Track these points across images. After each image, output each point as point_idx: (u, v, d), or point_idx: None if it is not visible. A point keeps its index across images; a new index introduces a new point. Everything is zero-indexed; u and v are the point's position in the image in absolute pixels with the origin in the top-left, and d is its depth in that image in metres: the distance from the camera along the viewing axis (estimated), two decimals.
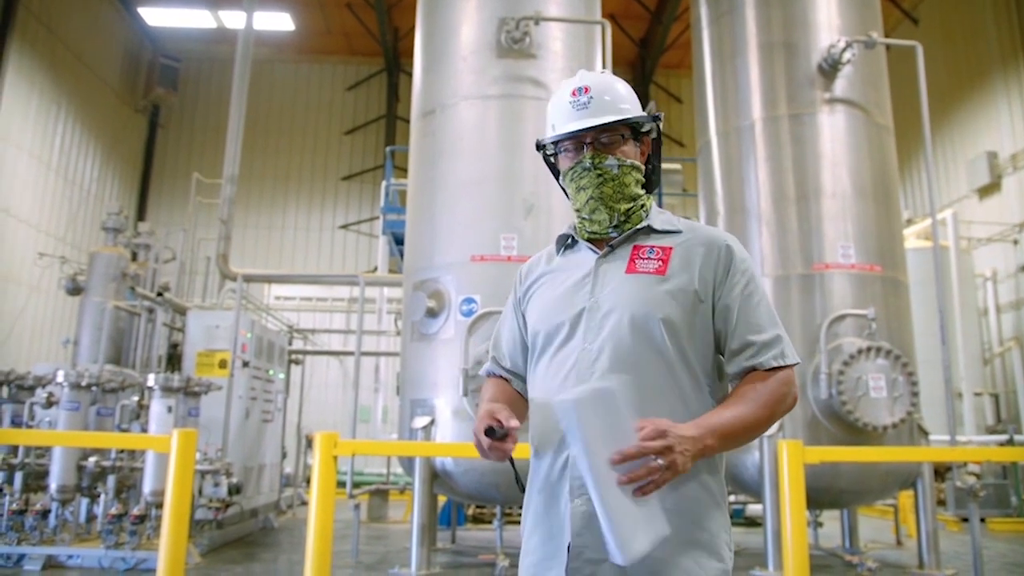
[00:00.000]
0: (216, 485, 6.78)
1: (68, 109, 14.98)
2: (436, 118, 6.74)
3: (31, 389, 6.80)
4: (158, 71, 17.79)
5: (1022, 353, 12.35)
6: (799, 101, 6.83)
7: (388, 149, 12.78)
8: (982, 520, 8.73)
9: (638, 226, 1.71)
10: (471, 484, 5.79)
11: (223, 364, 7.93)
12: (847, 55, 6.68)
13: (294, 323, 13.06)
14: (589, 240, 1.75)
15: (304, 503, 10.78)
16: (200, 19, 16.85)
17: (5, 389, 6.76)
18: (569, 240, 1.80)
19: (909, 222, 12.54)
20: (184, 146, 18.63)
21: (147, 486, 6.15)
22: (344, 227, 18.63)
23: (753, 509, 9.40)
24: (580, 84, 1.70)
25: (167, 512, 4.10)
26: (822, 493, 6.01)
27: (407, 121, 8.13)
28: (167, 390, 6.40)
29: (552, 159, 1.81)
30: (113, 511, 6.01)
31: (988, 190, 13.47)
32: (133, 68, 17.70)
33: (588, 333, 1.61)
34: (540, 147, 1.81)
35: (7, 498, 6.22)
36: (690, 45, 8.22)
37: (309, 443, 10.98)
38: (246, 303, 9.42)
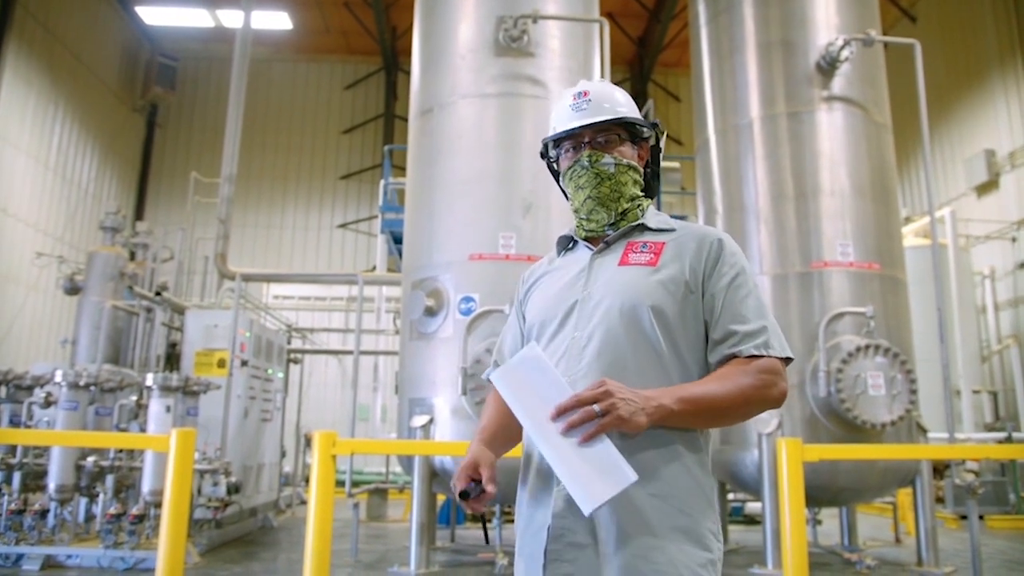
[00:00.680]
0: (215, 484, 6.77)
1: (66, 108, 14.96)
2: (434, 117, 6.74)
3: (29, 389, 6.79)
4: (156, 70, 17.77)
5: (1020, 351, 12.38)
6: (797, 99, 6.83)
7: (386, 148, 12.78)
8: (981, 517, 8.73)
9: (633, 224, 1.75)
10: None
11: (222, 363, 7.92)
12: (845, 53, 6.68)
13: (293, 322, 13.05)
14: (586, 238, 1.80)
15: (303, 502, 10.78)
16: (198, 18, 16.84)
17: (3, 389, 6.75)
18: (570, 243, 1.85)
19: (907, 220, 12.57)
20: (182, 145, 18.62)
21: (146, 485, 6.14)
22: (342, 226, 18.63)
23: (752, 507, 9.41)
24: (580, 90, 1.79)
25: (166, 511, 4.10)
26: (821, 491, 6.02)
27: (405, 120, 8.14)
28: (166, 389, 6.40)
29: (555, 164, 1.87)
30: (112, 511, 6.01)
31: (986, 188, 13.49)
32: (131, 67, 17.68)
33: (580, 322, 1.65)
34: (544, 155, 1.89)
35: (6, 498, 6.20)
36: (688, 43, 8.22)
37: (308, 442, 10.98)
38: (244, 302, 9.41)
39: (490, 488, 1.60)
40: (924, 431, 6.46)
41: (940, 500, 10.08)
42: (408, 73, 7.88)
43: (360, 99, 19.36)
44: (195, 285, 12.46)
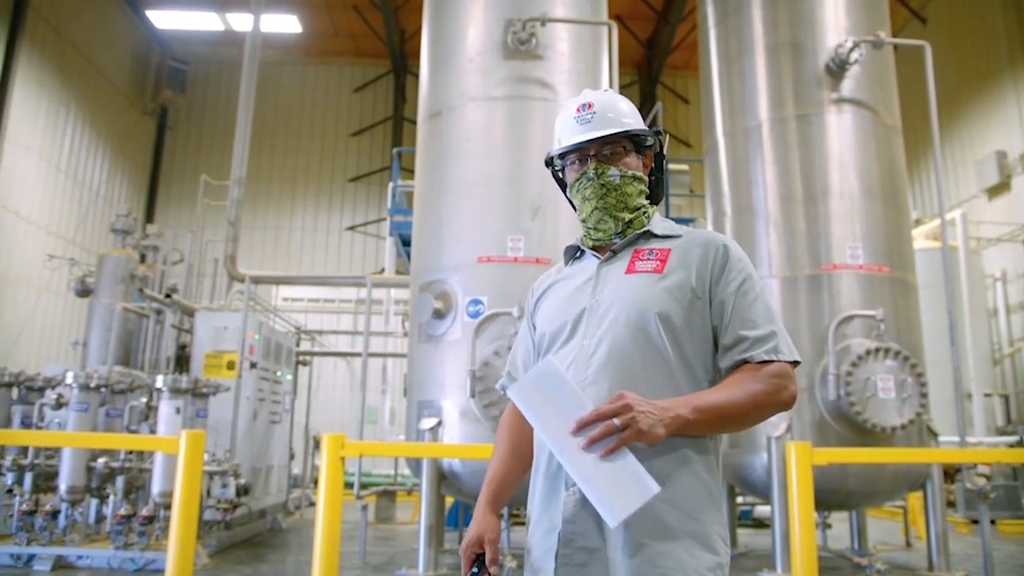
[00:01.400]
0: (224, 486, 6.80)
1: (77, 112, 15.07)
2: (443, 119, 6.75)
3: (41, 390, 6.84)
4: (166, 74, 17.88)
5: None
6: (806, 101, 6.81)
7: (395, 151, 12.81)
8: (992, 522, 8.67)
9: (639, 231, 1.77)
10: (478, 485, 5.75)
11: (231, 365, 7.95)
12: (855, 55, 6.66)
13: (301, 324, 13.10)
14: (593, 247, 1.82)
15: (311, 504, 10.80)
16: (208, 22, 16.93)
17: (15, 391, 6.80)
18: (577, 252, 1.87)
19: (918, 222, 12.49)
20: (192, 148, 18.71)
21: (156, 487, 6.18)
22: (351, 228, 18.67)
23: (761, 511, 9.37)
24: (584, 101, 1.80)
25: (176, 513, 4.12)
26: (831, 495, 5.99)
27: (414, 123, 8.14)
28: (175, 391, 6.43)
29: (560, 173, 1.89)
30: (122, 512, 6.04)
31: (997, 190, 13.40)
32: (141, 71, 17.79)
33: (588, 330, 1.67)
34: (549, 163, 1.90)
35: (17, 499, 6.25)
36: (697, 45, 8.21)
37: (316, 444, 11.01)
38: (254, 304, 9.45)
39: (493, 570, 1.66)
40: (935, 435, 6.42)
41: (951, 504, 10.01)
42: (417, 76, 7.91)
43: (369, 102, 19.42)
44: (205, 287, 12.52)
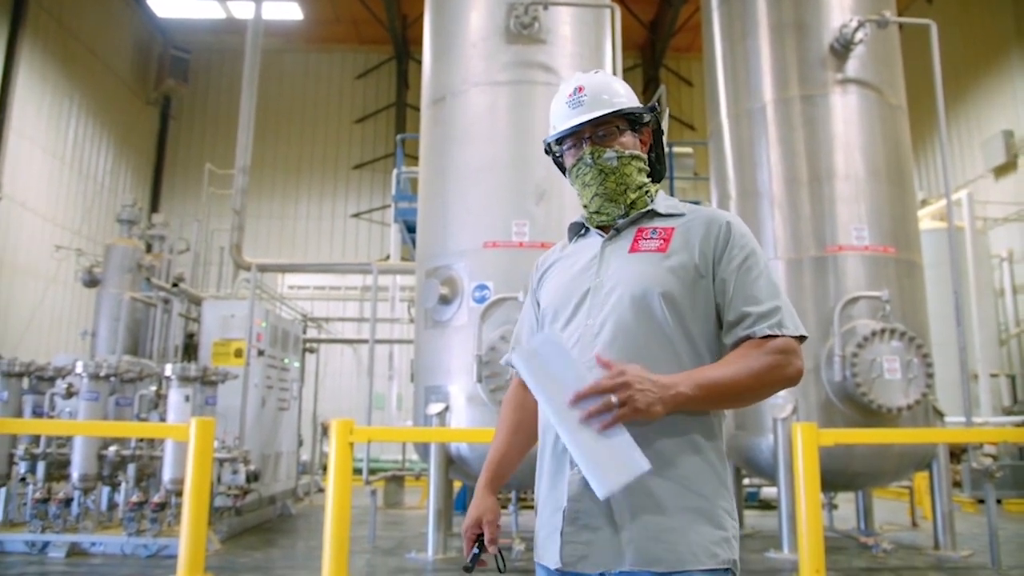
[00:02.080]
0: (234, 473, 6.85)
1: (80, 102, 15.08)
2: (446, 105, 6.74)
3: (51, 380, 6.90)
4: (169, 63, 17.86)
5: None
6: (811, 82, 6.77)
7: (399, 137, 12.79)
8: (998, 501, 8.68)
9: (642, 210, 1.77)
10: None
11: (239, 353, 8.00)
12: (859, 35, 6.61)
13: (308, 312, 13.13)
14: (598, 227, 1.82)
15: (320, 490, 10.88)
16: (209, 10, 16.89)
17: (26, 380, 6.86)
18: (581, 229, 1.86)
19: (924, 203, 12.45)
20: (196, 137, 18.72)
21: (167, 474, 6.23)
22: (356, 216, 18.69)
23: (768, 492, 9.41)
24: (575, 85, 1.80)
25: (187, 499, 4.16)
26: (837, 475, 6.01)
27: (417, 109, 8.14)
28: (184, 379, 6.47)
29: (560, 159, 1.89)
30: (134, 499, 6.10)
31: (1004, 169, 13.32)
32: (144, 60, 17.78)
33: (592, 310, 1.67)
34: (548, 151, 1.91)
35: (31, 487, 6.32)
36: (700, 27, 8.16)
37: (325, 431, 11.07)
38: (260, 292, 9.48)
39: (491, 549, 1.71)
40: (941, 415, 6.43)
41: (957, 484, 10.04)
42: (419, 62, 7.89)
43: (372, 88, 19.37)
44: (211, 276, 12.56)
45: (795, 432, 4.47)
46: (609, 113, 1.74)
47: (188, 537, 4.13)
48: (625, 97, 1.79)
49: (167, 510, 6.24)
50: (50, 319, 13.76)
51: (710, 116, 7.79)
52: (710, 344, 1.66)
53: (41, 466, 6.39)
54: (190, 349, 9.14)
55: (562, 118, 1.80)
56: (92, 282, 9.72)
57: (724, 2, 7.55)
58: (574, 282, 1.74)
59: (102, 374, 6.40)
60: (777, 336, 1.60)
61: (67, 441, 6.46)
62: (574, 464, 1.55)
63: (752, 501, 9.47)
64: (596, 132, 1.76)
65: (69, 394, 6.53)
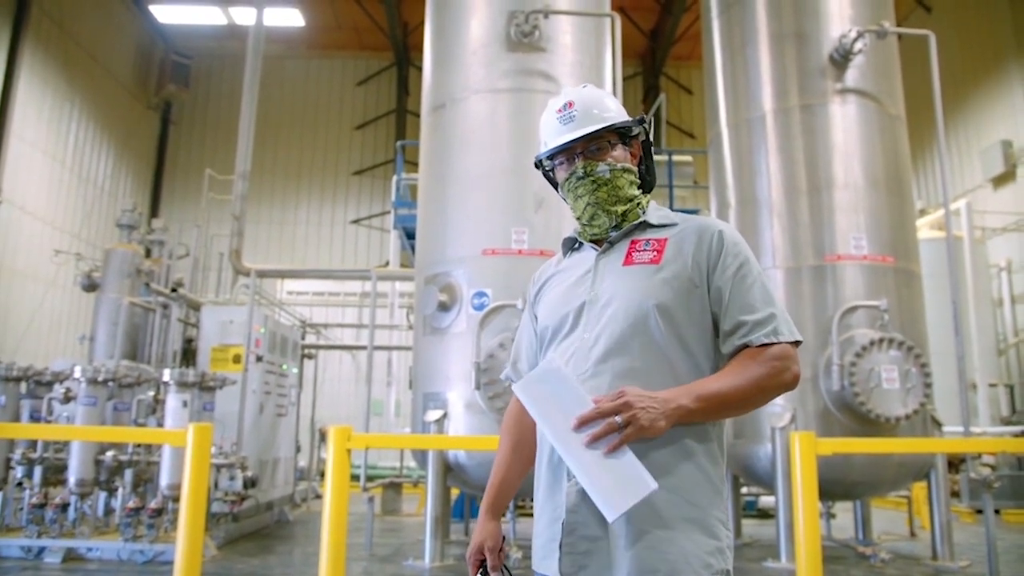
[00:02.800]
0: (231, 479, 6.84)
1: (81, 107, 15.10)
2: (446, 112, 6.76)
3: (49, 385, 6.89)
4: (170, 68, 17.90)
5: None
6: (810, 92, 6.80)
7: (399, 144, 12.80)
8: (996, 511, 8.69)
9: (635, 222, 1.78)
10: (484, 476, 5.79)
11: (237, 359, 7.99)
12: (859, 45, 6.64)
13: (307, 318, 13.11)
14: (591, 240, 1.83)
15: (318, 496, 10.86)
16: (211, 16, 16.93)
17: (23, 385, 6.85)
18: (575, 243, 1.88)
19: (922, 212, 12.46)
20: (196, 143, 18.74)
21: (164, 480, 6.22)
22: (355, 222, 18.69)
23: (766, 501, 9.40)
24: (565, 100, 1.82)
25: (184, 505, 4.15)
26: (835, 485, 6.00)
27: (417, 115, 8.17)
28: (182, 385, 6.47)
29: (551, 174, 1.91)
30: (131, 504, 6.09)
31: (1003, 179, 13.35)
32: (145, 65, 17.81)
33: (588, 324, 1.69)
34: (539, 165, 1.92)
35: (27, 492, 6.31)
36: (700, 36, 8.19)
37: (323, 437, 11.05)
38: (259, 298, 9.48)
39: (493, 575, 1.75)
40: (939, 425, 6.43)
41: (955, 494, 10.02)
42: (420, 69, 7.91)
43: (372, 95, 19.41)
44: (210, 281, 12.54)
45: (793, 441, 4.47)
46: (601, 129, 1.76)
47: (185, 543, 4.12)
48: (615, 111, 1.81)
49: (164, 516, 6.22)
50: (48, 323, 13.74)
51: (710, 125, 7.81)
52: (708, 353, 1.67)
53: (38, 471, 6.38)
54: (188, 354, 9.13)
55: (553, 134, 1.82)
56: (91, 286, 9.72)
57: (724, 11, 7.58)
58: (569, 296, 1.76)
59: (100, 379, 6.39)
60: (774, 344, 1.62)
61: (64, 446, 6.45)
62: (571, 475, 1.56)
63: (750, 510, 9.46)
64: (588, 147, 1.78)
65: (67, 399, 6.52)
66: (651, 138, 1.89)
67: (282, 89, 18.43)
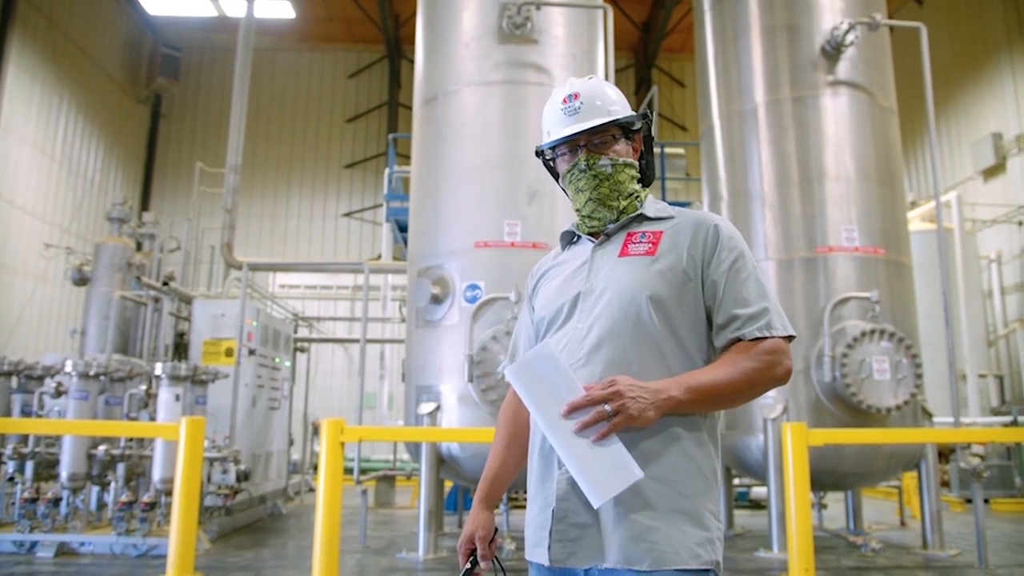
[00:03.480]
0: (224, 472, 6.84)
1: (70, 100, 14.99)
2: (438, 105, 6.74)
3: (40, 379, 6.86)
4: (159, 61, 17.79)
5: None
6: (802, 84, 6.80)
7: (391, 136, 12.78)
8: (986, 501, 8.76)
9: (632, 215, 1.79)
10: (477, 469, 5.82)
11: (229, 352, 7.98)
12: (850, 37, 6.64)
13: (299, 311, 13.11)
14: (589, 233, 1.84)
15: (311, 490, 10.86)
16: (201, 8, 16.79)
17: (14, 379, 6.82)
18: (573, 237, 1.89)
19: (913, 204, 12.52)
20: (187, 136, 18.64)
21: (156, 474, 6.21)
22: (348, 215, 18.65)
23: (758, 492, 9.45)
24: (570, 91, 1.81)
25: (177, 499, 4.15)
26: (826, 475, 6.05)
27: (409, 108, 8.13)
28: (174, 379, 6.45)
29: (551, 163, 1.91)
30: (123, 499, 6.07)
31: (993, 171, 13.42)
32: (134, 58, 17.69)
33: (582, 314, 1.70)
34: (539, 153, 1.92)
35: (19, 487, 6.29)
36: (692, 28, 8.18)
37: (316, 430, 11.05)
38: (251, 292, 9.46)
39: (484, 565, 1.76)
40: (929, 415, 6.47)
41: (945, 484, 10.10)
42: (412, 61, 7.89)
43: (364, 88, 19.34)
44: (202, 275, 12.52)
45: (785, 432, 4.50)
46: (606, 123, 1.76)
47: (178, 537, 4.12)
48: (619, 105, 1.81)
49: (157, 510, 6.22)
50: (39, 317, 13.68)
51: (702, 117, 7.82)
52: (701, 345, 1.68)
53: (30, 465, 6.36)
54: (180, 348, 9.11)
55: (557, 125, 1.81)
56: (82, 280, 9.67)
57: (716, 4, 7.58)
58: (565, 287, 1.77)
59: (92, 373, 6.37)
60: (767, 338, 1.62)
61: (56, 440, 6.43)
62: (562, 464, 1.57)
63: (742, 501, 9.51)
64: (592, 140, 1.78)
65: (58, 393, 6.50)
66: (653, 133, 1.90)
67: (273, 82, 18.34)
